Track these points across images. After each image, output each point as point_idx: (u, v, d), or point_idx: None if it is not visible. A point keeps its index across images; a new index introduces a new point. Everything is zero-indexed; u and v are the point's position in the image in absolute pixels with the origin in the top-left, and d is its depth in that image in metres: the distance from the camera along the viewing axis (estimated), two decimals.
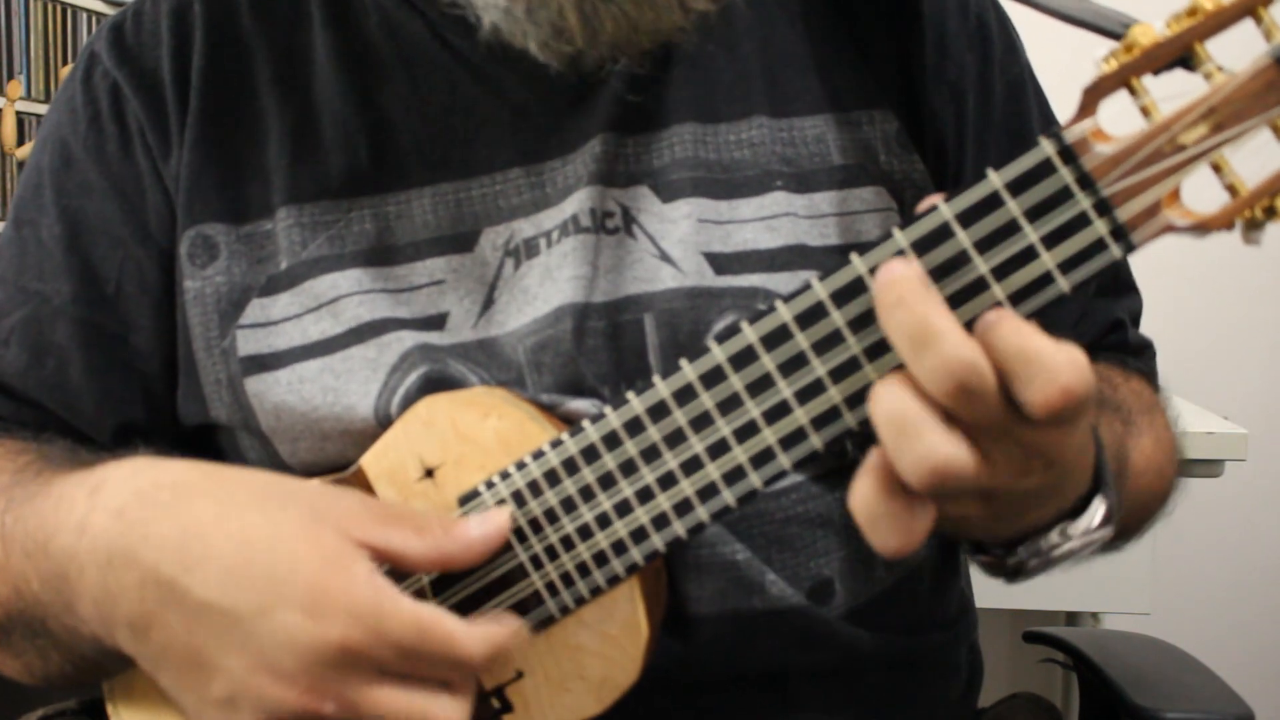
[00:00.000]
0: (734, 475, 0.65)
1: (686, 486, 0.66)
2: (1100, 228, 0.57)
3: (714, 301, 0.78)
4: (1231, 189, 0.56)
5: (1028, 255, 0.58)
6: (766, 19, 0.86)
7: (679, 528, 0.67)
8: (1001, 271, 0.59)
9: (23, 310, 0.87)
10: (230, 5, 0.88)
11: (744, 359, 0.64)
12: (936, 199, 0.59)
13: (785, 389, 0.63)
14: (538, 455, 0.69)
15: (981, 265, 0.59)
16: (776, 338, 0.63)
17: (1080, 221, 0.57)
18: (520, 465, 0.70)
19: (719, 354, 0.64)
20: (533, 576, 0.71)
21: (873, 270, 0.60)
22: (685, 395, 0.65)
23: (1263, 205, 0.55)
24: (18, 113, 2.53)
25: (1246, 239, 0.56)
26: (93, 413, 0.86)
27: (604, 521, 0.69)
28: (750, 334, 0.63)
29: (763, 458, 0.64)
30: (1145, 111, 0.56)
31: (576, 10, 0.77)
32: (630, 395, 0.66)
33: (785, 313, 0.62)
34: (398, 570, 0.67)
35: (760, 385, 0.64)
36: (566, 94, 0.82)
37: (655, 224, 0.80)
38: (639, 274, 0.79)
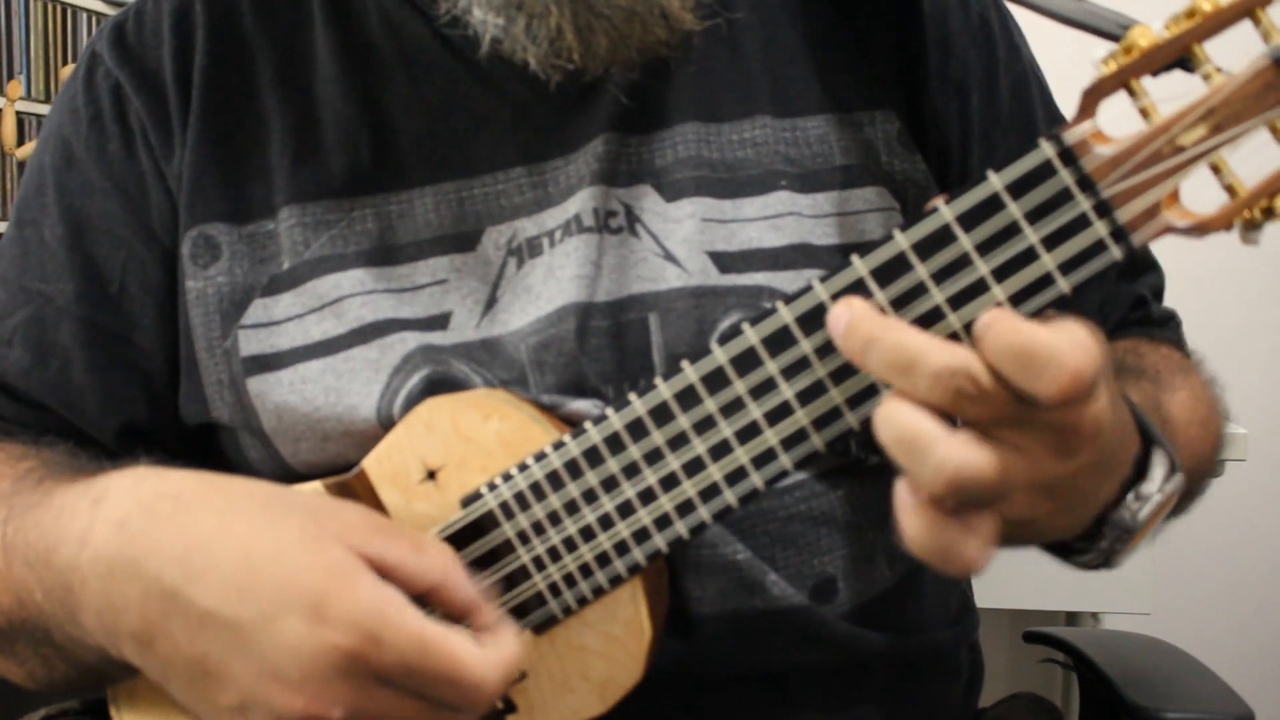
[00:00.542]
0: (736, 476, 0.66)
1: (689, 487, 0.67)
2: (1100, 229, 0.58)
3: (719, 300, 0.79)
4: (1230, 189, 0.56)
5: (1028, 256, 0.58)
6: (769, 19, 0.86)
7: (681, 528, 0.68)
8: (1002, 273, 0.59)
9: (25, 310, 0.87)
10: (232, 5, 0.88)
11: (746, 360, 0.64)
12: (938, 201, 0.59)
13: (787, 390, 0.63)
14: (540, 457, 0.70)
15: (982, 267, 0.59)
16: (778, 339, 0.63)
17: (1080, 223, 0.58)
18: (523, 467, 0.70)
19: (720, 356, 0.64)
20: (535, 577, 0.71)
21: (874, 271, 0.60)
22: (687, 397, 0.65)
23: (1261, 206, 0.55)
24: (18, 113, 2.53)
25: (1245, 239, 0.56)
26: (95, 413, 0.86)
27: (606, 522, 0.69)
28: (752, 335, 0.63)
29: (764, 458, 0.65)
30: (1144, 113, 0.56)
31: (573, 27, 0.77)
32: (632, 397, 0.67)
33: (787, 314, 0.63)
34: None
35: (762, 387, 0.64)
36: (568, 94, 0.82)
37: (659, 223, 0.81)
38: (643, 273, 0.79)
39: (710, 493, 0.66)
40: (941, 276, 0.59)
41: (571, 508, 0.69)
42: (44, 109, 2.58)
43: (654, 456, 0.67)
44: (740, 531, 0.79)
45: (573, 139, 0.82)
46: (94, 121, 0.87)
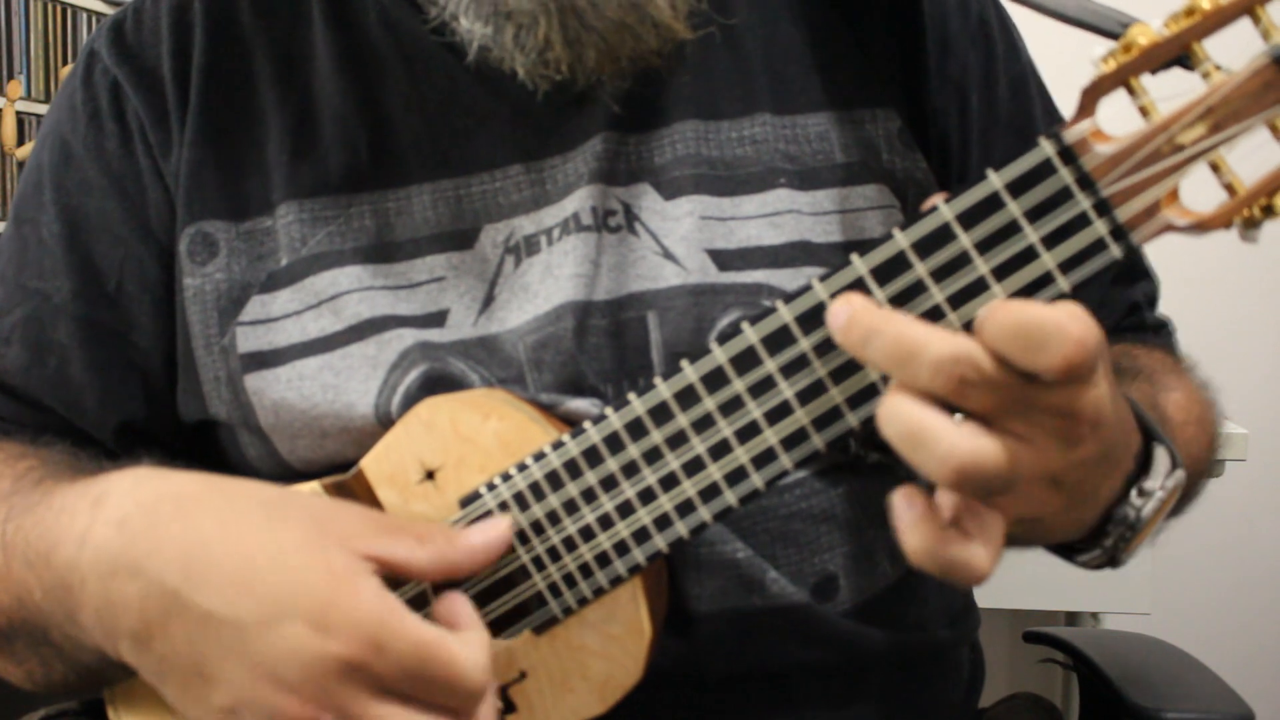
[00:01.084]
0: (736, 476, 0.66)
1: (689, 487, 0.67)
2: (1100, 228, 0.58)
3: (718, 298, 0.78)
4: (1229, 188, 0.56)
5: (1028, 255, 0.58)
6: (769, 18, 0.86)
7: (681, 528, 0.67)
8: (1002, 271, 0.59)
9: (23, 308, 0.87)
10: (230, 3, 0.88)
11: (745, 360, 0.64)
12: (938, 199, 0.59)
13: (787, 390, 0.63)
14: (539, 457, 0.69)
15: (982, 265, 0.59)
16: (778, 338, 0.63)
17: (1080, 222, 0.58)
18: (521, 467, 0.70)
19: (720, 355, 0.64)
20: (535, 578, 0.71)
21: (874, 270, 0.60)
22: (686, 396, 0.65)
23: (1260, 204, 0.55)
24: (18, 113, 2.53)
25: (1244, 237, 0.56)
26: (94, 411, 0.86)
27: (606, 522, 0.69)
28: (751, 335, 0.63)
29: (764, 458, 0.65)
30: (1144, 111, 0.56)
31: (562, 39, 0.77)
32: (631, 396, 0.67)
33: (786, 314, 0.62)
34: (398, 578, 0.67)
35: (762, 386, 0.64)
36: (566, 92, 0.82)
37: (657, 221, 0.81)
38: (642, 271, 0.79)
39: (710, 493, 0.66)
40: (941, 275, 0.59)
41: (571, 508, 0.69)
42: (44, 109, 2.58)
43: (653, 456, 0.67)
44: (740, 530, 0.79)
45: (571, 137, 0.82)
46: (92, 119, 0.87)
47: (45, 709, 0.90)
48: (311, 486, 0.76)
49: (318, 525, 0.65)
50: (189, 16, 0.87)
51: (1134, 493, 0.67)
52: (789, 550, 0.80)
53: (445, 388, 0.77)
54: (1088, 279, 0.59)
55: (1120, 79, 0.56)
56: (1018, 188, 0.58)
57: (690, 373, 0.65)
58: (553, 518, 0.70)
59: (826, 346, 0.62)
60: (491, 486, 0.71)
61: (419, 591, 0.71)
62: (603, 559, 0.70)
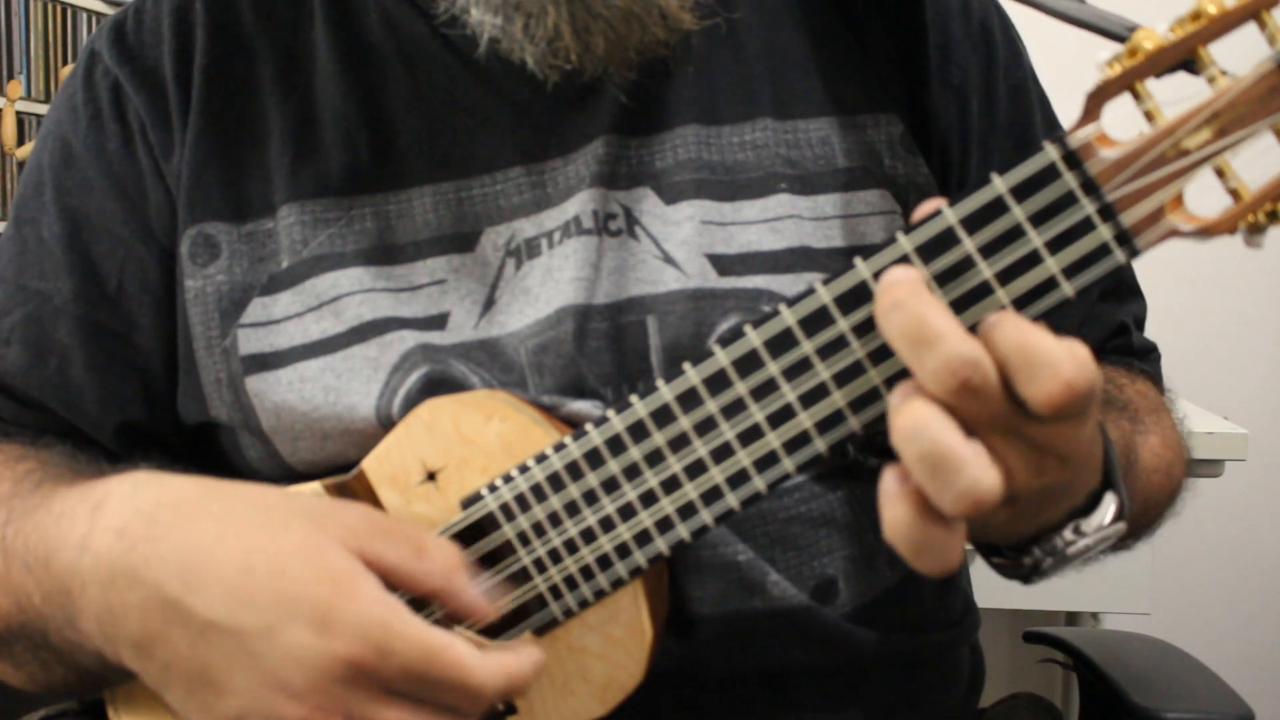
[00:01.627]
0: (738, 479, 0.65)
1: (690, 490, 0.66)
2: (1104, 233, 0.57)
3: (717, 303, 0.78)
4: (1234, 193, 0.56)
5: (1032, 260, 0.58)
6: (771, 23, 0.86)
7: (683, 531, 0.67)
8: (1006, 276, 0.59)
9: (24, 309, 0.87)
10: (232, 5, 0.88)
11: (747, 363, 0.64)
12: (939, 203, 0.59)
13: (789, 393, 0.63)
14: (541, 458, 0.69)
15: (986, 270, 0.59)
16: (780, 342, 0.63)
17: (1084, 226, 0.57)
18: (523, 468, 0.70)
19: (722, 358, 0.64)
20: (536, 580, 0.71)
21: (877, 274, 0.60)
22: (688, 399, 0.65)
23: (1265, 209, 0.55)
24: (18, 113, 2.53)
25: (1249, 243, 0.56)
26: (94, 412, 0.86)
27: (607, 525, 0.69)
28: (754, 338, 0.63)
29: (766, 461, 0.65)
30: (1149, 116, 0.56)
31: (571, 28, 0.77)
32: (633, 399, 0.67)
33: (789, 317, 0.62)
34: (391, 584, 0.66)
35: (764, 389, 0.64)
36: (567, 94, 0.82)
37: (658, 226, 0.81)
38: (642, 275, 0.79)
39: (712, 495, 0.66)
40: (944, 279, 0.59)
41: (572, 509, 0.69)
42: (44, 109, 2.58)
43: (655, 458, 0.67)
44: (740, 532, 0.79)
45: (572, 139, 0.82)
46: (93, 120, 0.87)
47: (45, 709, 0.90)
48: (313, 487, 0.76)
49: (317, 527, 0.65)
50: (190, 17, 0.87)
51: (1070, 528, 0.67)
52: (788, 553, 0.80)
53: (446, 390, 0.76)
54: (1090, 284, 0.58)
55: (1125, 83, 0.56)
56: (1022, 192, 0.58)
57: (692, 375, 0.65)
58: (554, 519, 0.70)
59: (829, 350, 0.62)
60: (493, 488, 0.71)
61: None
62: (604, 561, 0.69)
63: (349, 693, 0.61)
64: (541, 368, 0.78)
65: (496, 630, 0.71)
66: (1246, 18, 0.54)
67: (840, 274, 0.61)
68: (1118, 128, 0.57)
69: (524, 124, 0.83)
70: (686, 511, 0.67)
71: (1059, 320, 0.59)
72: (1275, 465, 2.13)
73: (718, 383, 0.64)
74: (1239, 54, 0.56)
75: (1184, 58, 0.55)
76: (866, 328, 0.61)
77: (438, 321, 0.80)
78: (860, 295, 0.61)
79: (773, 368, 0.63)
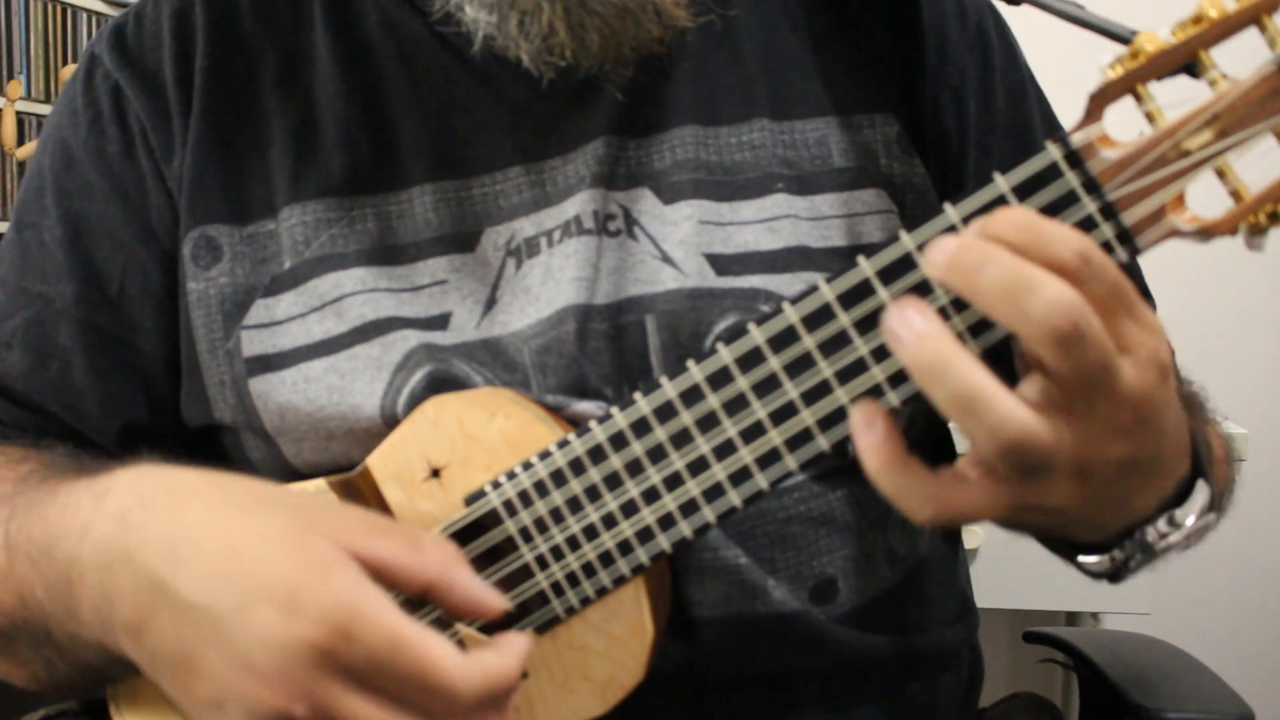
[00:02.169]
0: (740, 476, 0.66)
1: (693, 487, 0.67)
2: (1106, 231, 0.58)
3: (715, 303, 0.79)
4: (1235, 194, 0.56)
5: None
6: (768, 23, 0.86)
7: (685, 528, 0.68)
8: None
9: (25, 313, 0.87)
10: (232, 7, 0.88)
11: (751, 360, 0.64)
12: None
13: (792, 390, 0.63)
14: (544, 456, 0.70)
15: None
16: (783, 339, 0.63)
17: (1086, 225, 0.58)
18: (527, 466, 0.70)
19: (726, 355, 0.64)
20: (538, 576, 0.71)
21: (879, 273, 0.61)
22: (692, 396, 0.66)
23: (1266, 210, 0.55)
24: (18, 113, 2.53)
25: (1250, 244, 0.57)
26: (96, 415, 0.86)
27: (610, 522, 0.69)
28: (757, 335, 0.63)
29: (769, 458, 0.65)
30: (1150, 117, 0.56)
31: (565, 24, 0.77)
32: (637, 396, 0.67)
33: (792, 314, 0.63)
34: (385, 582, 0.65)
35: (767, 386, 0.64)
36: (566, 93, 0.82)
37: (656, 226, 0.81)
38: (640, 275, 0.80)
39: (715, 492, 0.66)
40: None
41: (575, 506, 0.69)
42: (44, 109, 2.58)
43: (658, 455, 0.67)
44: (740, 533, 0.79)
45: (571, 139, 0.82)
46: (93, 124, 0.87)
47: (45, 709, 0.90)
48: (317, 484, 0.77)
49: (305, 517, 0.64)
50: (191, 20, 0.87)
51: (1165, 519, 0.66)
52: (788, 553, 0.80)
53: (450, 388, 0.77)
54: None
55: (1127, 85, 0.56)
56: (1024, 190, 0.58)
57: (696, 372, 0.65)
58: (556, 516, 0.70)
59: (831, 347, 0.62)
60: (496, 484, 0.71)
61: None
62: (606, 558, 0.70)
63: (314, 678, 0.60)
64: (545, 368, 0.78)
65: (498, 628, 0.71)
66: (1248, 22, 0.55)
67: (843, 272, 0.61)
68: (1119, 130, 0.58)
69: (523, 124, 0.83)
70: (689, 508, 0.67)
71: None
72: (1275, 465, 2.13)
73: (720, 379, 0.65)
74: (1240, 57, 0.57)
75: (1185, 61, 0.56)
76: (869, 324, 0.61)
77: (440, 321, 0.80)
78: (863, 292, 0.61)
79: (775, 365, 0.63)
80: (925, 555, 0.86)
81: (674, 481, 0.67)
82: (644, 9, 0.79)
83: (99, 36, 0.90)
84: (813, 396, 0.63)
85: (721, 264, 0.80)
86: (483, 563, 0.71)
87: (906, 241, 0.60)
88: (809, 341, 0.63)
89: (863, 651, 0.82)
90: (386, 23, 0.86)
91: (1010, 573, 1.56)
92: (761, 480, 0.65)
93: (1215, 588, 2.20)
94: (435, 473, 0.73)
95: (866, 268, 0.61)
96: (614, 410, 0.68)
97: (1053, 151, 0.58)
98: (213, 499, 0.66)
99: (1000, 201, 0.58)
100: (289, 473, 0.81)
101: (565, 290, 0.79)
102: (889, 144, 0.84)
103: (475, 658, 0.62)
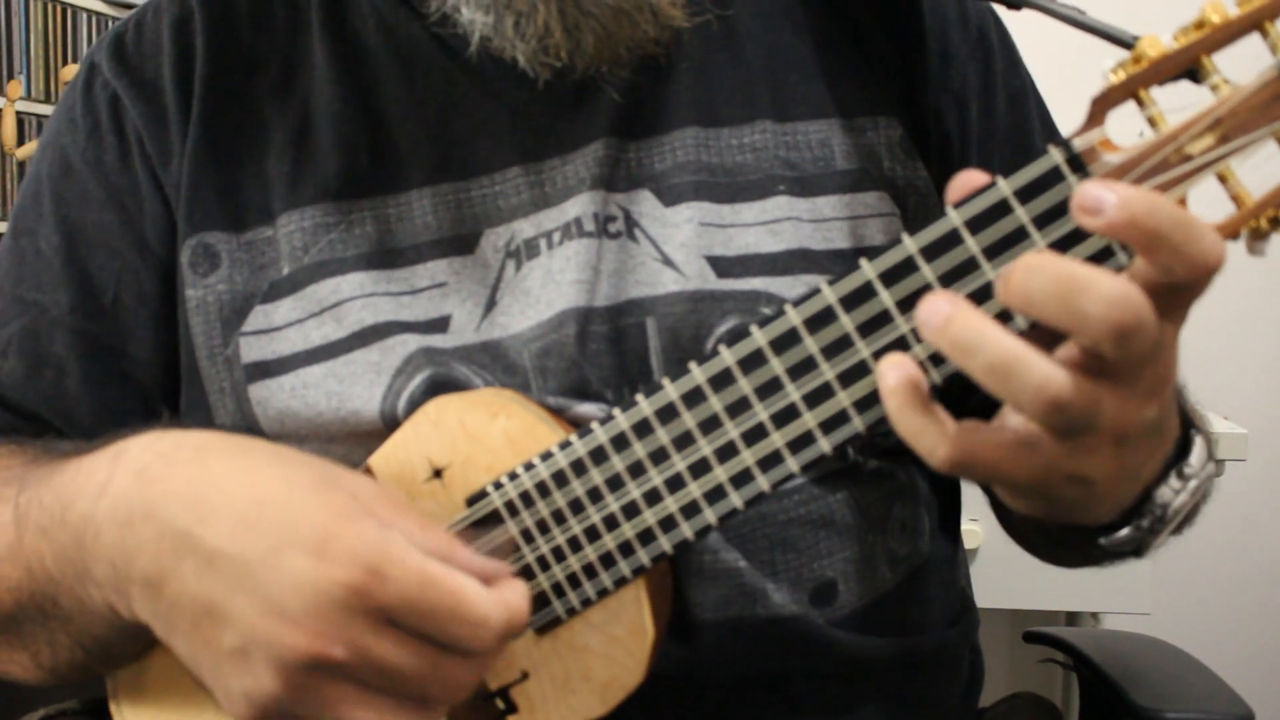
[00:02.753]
0: (742, 478, 0.66)
1: (695, 489, 0.67)
2: None
3: (716, 305, 0.79)
4: (1237, 199, 0.56)
5: None
6: (771, 27, 0.86)
7: (687, 530, 0.68)
8: None
9: (20, 320, 0.87)
10: (230, 15, 0.88)
11: (752, 362, 0.64)
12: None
13: (794, 393, 0.64)
14: (546, 457, 0.70)
15: (990, 271, 0.59)
16: (785, 341, 0.63)
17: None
18: (528, 466, 0.70)
19: (728, 357, 0.64)
20: (539, 577, 0.71)
21: (881, 275, 0.61)
22: (694, 398, 0.66)
23: (1268, 215, 0.55)
24: (18, 113, 2.53)
25: (1251, 249, 0.57)
26: (90, 424, 0.86)
27: (611, 524, 0.69)
28: (759, 337, 0.64)
29: (771, 461, 0.65)
30: (1152, 122, 0.56)
31: (561, 25, 0.78)
32: (639, 397, 0.67)
33: (794, 317, 0.63)
34: None
35: (768, 389, 0.64)
36: (564, 94, 0.82)
37: (657, 228, 0.81)
38: (641, 278, 0.80)
39: (716, 494, 0.66)
40: (949, 280, 0.59)
41: (576, 507, 0.69)
42: (44, 109, 2.58)
43: (660, 457, 0.67)
44: (740, 536, 0.79)
45: (570, 139, 0.83)
46: (91, 132, 0.87)
47: (45, 709, 0.90)
48: None
49: (329, 471, 0.65)
50: (191, 28, 0.87)
51: (1174, 475, 0.67)
52: (788, 556, 0.80)
53: (450, 391, 0.77)
54: None
55: (1129, 90, 0.56)
56: (1026, 194, 0.58)
57: (698, 374, 0.65)
58: (558, 517, 0.70)
59: (834, 349, 0.62)
60: (498, 485, 0.71)
61: None
62: (607, 559, 0.70)
63: (348, 620, 0.61)
64: (545, 370, 0.78)
65: None
66: (1250, 27, 0.55)
67: (845, 275, 0.61)
68: (1121, 134, 0.58)
69: (521, 125, 0.83)
70: (690, 510, 0.67)
71: None
72: (1275, 465, 2.13)
73: (722, 382, 0.65)
74: (1243, 63, 0.57)
75: (1187, 66, 0.56)
76: (871, 327, 0.61)
77: (439, 324, 0.80)
78: (865, 295, 0.61)
79: (777, 367, 0.64)
80: (926, 556, 0.86)
81: (676, 483, 0.67)
82: (640, 9, 0.79)
83: (99, 44, 0.90)
84: (815, 399, 0.63)
85: (722, 266, 0.80)
86: None
87: (909, 244, 0.60)
88: (811, 344, 0.63)
89: (863, 653, 0.82)
90: (383, 26, 0.86)
91: (1010, 573, 1.56)
92: (763, 482, 0.66)
93: (1215, 588, 2.20)
94: (437, 473, 0.73)
95: (869, 270, 0.61)
96: (616, 411, 0.68)
97: (1055, 155, 0.58)
98: (234, 453, 0.67)
99: (1002, 205, 0.58)
100: None
101: (565, 292, 0.79)
102: (892, 147, 0.84)
103: (498, 591, 0.63)
